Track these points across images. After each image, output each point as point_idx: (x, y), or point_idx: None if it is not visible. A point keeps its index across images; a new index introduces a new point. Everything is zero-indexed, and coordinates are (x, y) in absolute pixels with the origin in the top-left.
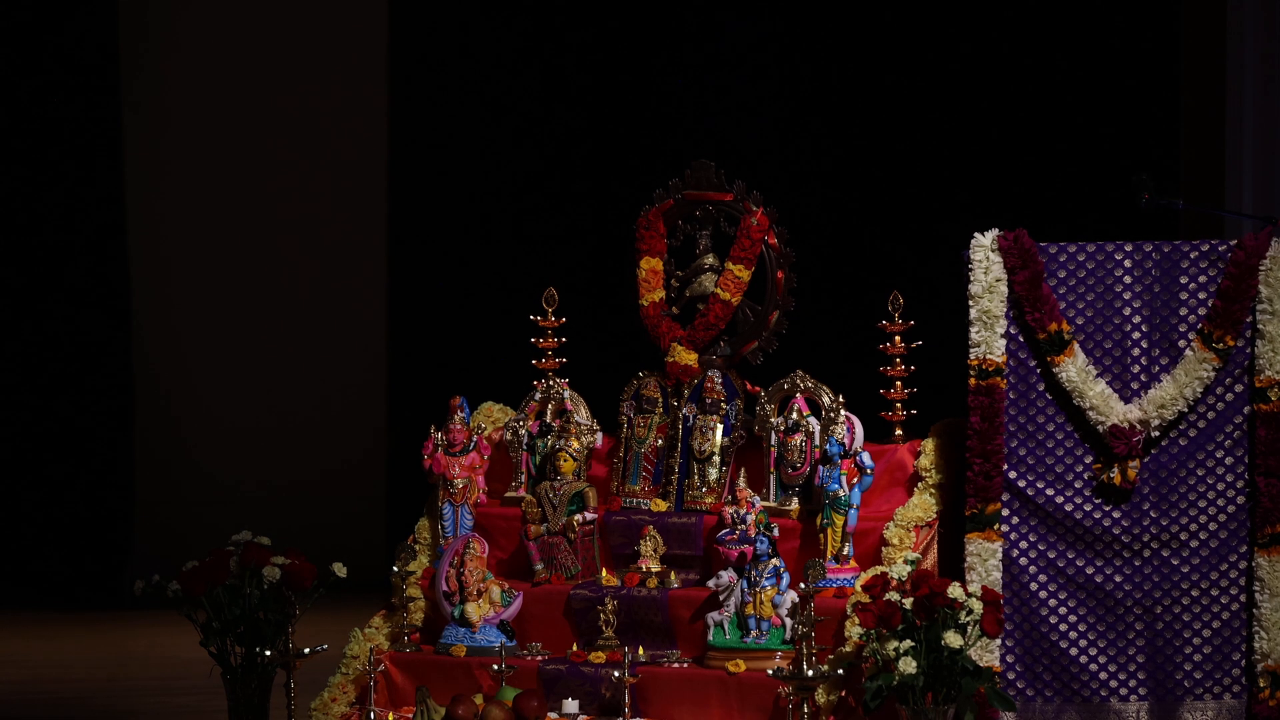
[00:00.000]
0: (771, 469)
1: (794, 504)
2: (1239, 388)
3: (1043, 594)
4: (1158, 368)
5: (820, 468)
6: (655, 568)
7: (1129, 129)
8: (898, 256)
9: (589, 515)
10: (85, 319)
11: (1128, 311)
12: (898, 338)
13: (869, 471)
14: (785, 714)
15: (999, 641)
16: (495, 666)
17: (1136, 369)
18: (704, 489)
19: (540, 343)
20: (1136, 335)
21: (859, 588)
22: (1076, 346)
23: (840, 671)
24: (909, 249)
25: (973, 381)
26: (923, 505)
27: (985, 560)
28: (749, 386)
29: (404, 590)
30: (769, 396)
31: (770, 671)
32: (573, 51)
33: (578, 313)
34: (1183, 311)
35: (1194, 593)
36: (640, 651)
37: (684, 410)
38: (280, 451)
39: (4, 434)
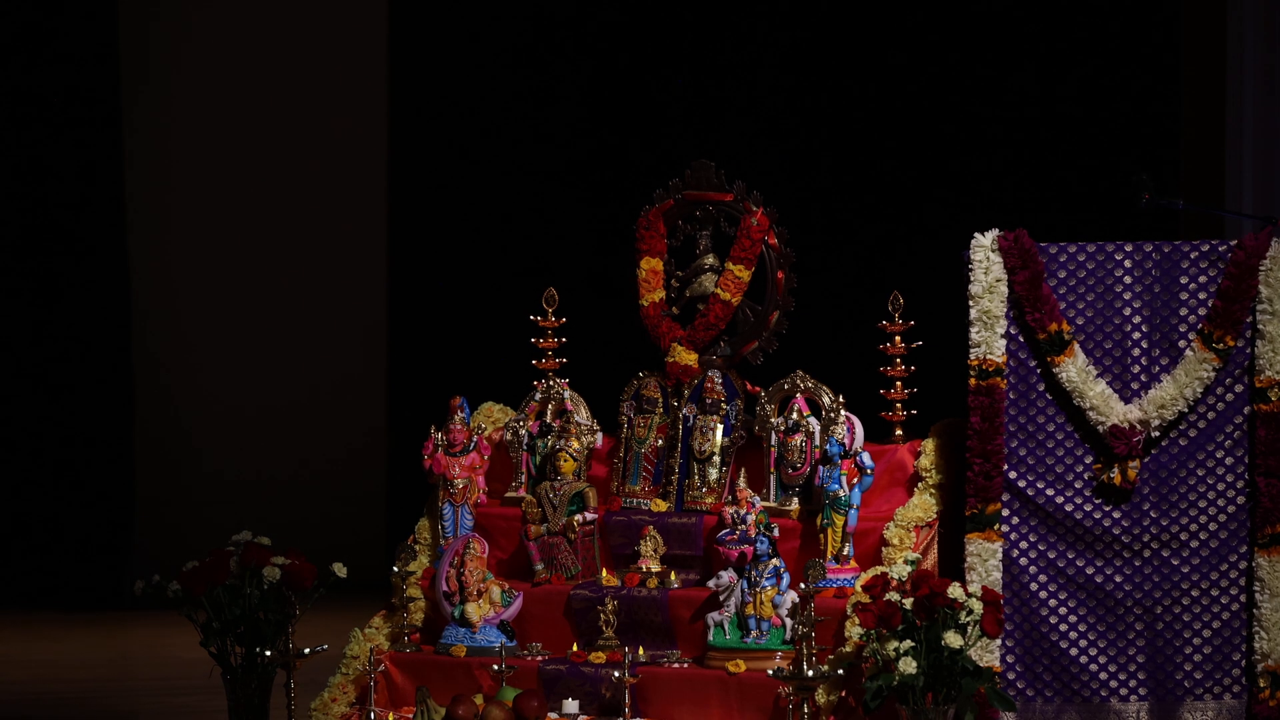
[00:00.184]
0: (772, 469)
1: (794, 504)
2: (1239, 388)
3: (1043, 594)
4: (1158, 368)
5: (820, 468)
6: (655, 568)
7: (1129, 129)
8: (898, 256)
9: (589, 515)
10: (85, 320)
11: (1128, 312)
12: (898, 338)
13: (869, 472)
14: (785, 714)
15: (999, 642)
16: (495, 667)
17: (1136, 369)
18: (704, 489)
19: (540, 343)
20: (1136, 335)
21: (859, 588)
22: (1077, 346)
23: (840, 672)
24: (909, 249)
25: (973, 381)
26: (923, 505)
27: (985, 560)
28: (749, 386)
29: (404, 590)
30: (769, 396)
31: (770, 672)
32: (573, 51)
33: (578, 313)
34: (1183, 311)
35: (1194, 593)
36: (640, 652)
37: (684, 410)
38: (281, 452)
39: (4, 434)
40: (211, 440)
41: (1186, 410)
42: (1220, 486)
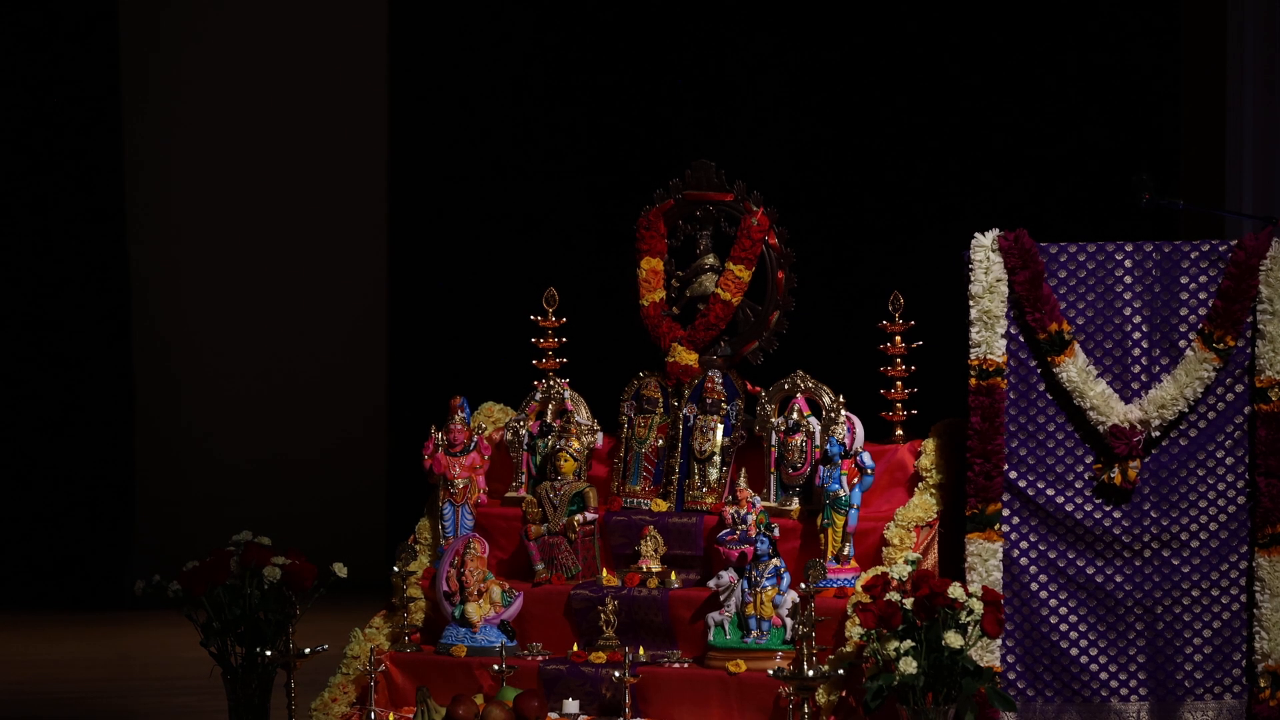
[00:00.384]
0: (772, 469)
1: (794, 504)
2: (1239, 388)
3: (1043, 594)
4: (1158, 368)
5: (821, 468)
6: (656, 568)
7: (1129, 129)
8: (898, 256)
9: (589, 515)
10: (85, 319)
11: (1128, 311)
12: (898, 338)
13: (869, 471)
14: (785, 714)
15: (999, 642)
16: (496, 667)
17: (1137, 369)
18: (704, 489)
19: (541, 343)
20: (1137, 335)
21: (859, 588)
22: (1077, 346)
23: (841, 671)
24: (909, 249)
25: (973, 381)
26: (923, 505)
27: (986, 560)
28: (749, 386)
29: (404, 590)
30: (769, 396)
31: (771, 671)
32: (573, 51)
33: (578, 313)
34: (1183, 311)
35: (1194, 593)
36: (641, 652)
37: (684, 410)
38: (281, 452)
39: (3, 434)
40: (212, 442)
41: (1187, 410)
42: (1220, 486)
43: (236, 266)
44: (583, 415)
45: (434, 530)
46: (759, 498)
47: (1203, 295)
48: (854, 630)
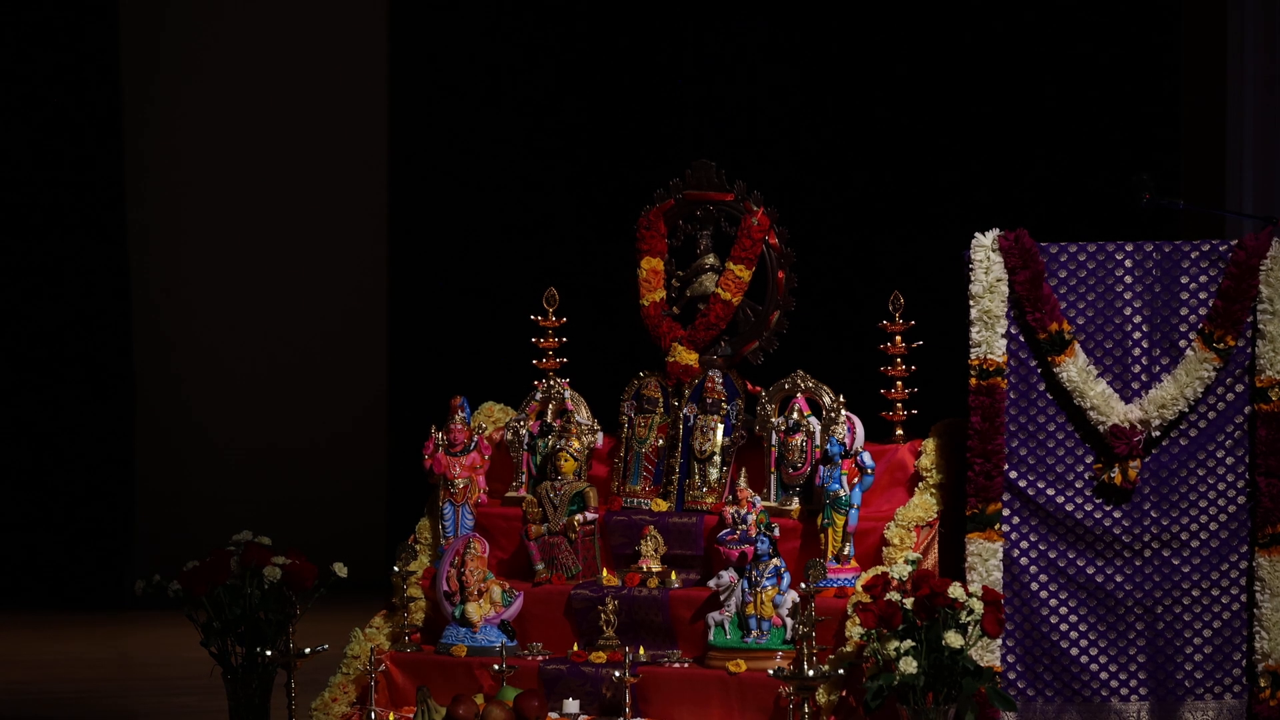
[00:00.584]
0: (772, 469)
1: (795, 504)
2: (1240, 388)
3: (1043, 594)
4: (1158, 368)
5: (821, 468)
6: (656, 568)
7: (1129, 129)
8: (898, 256)
9: (590, 515)
10: (85, 319)
11: (1128, 311)
12: (898, 338)
13: (870, 471)
14: (786, 714)
15: (1000, 641)
16: (496, 666)
17: (1137, 369)
18: (705, 489)
19: (541, 343)
20: (1137, 335)
21: (860, 588)
22: (1077, 346)
23: (841, 671)
24: (909, 249)
25: (973, 381)
26: (923, 505)
27: (986, 560)
28: (750, 386)
29: (405, 590)
30: (770, 396)
31: (771, 671)
32: (573, 51)
33: (578, 313)
34: (1183, 311)
35: (1194, 593)
36: (641, 651)
37: (685, 410)
38: (281, 452)
39: (3, 433)
40: (212, 444)
41: (1187, 410)
42: (1221, 486)
43: (237, 266)
44: (583, 415)
45: (434, 530)
46: (759, 498)
47: (1203, 295)
48: (854, 630)
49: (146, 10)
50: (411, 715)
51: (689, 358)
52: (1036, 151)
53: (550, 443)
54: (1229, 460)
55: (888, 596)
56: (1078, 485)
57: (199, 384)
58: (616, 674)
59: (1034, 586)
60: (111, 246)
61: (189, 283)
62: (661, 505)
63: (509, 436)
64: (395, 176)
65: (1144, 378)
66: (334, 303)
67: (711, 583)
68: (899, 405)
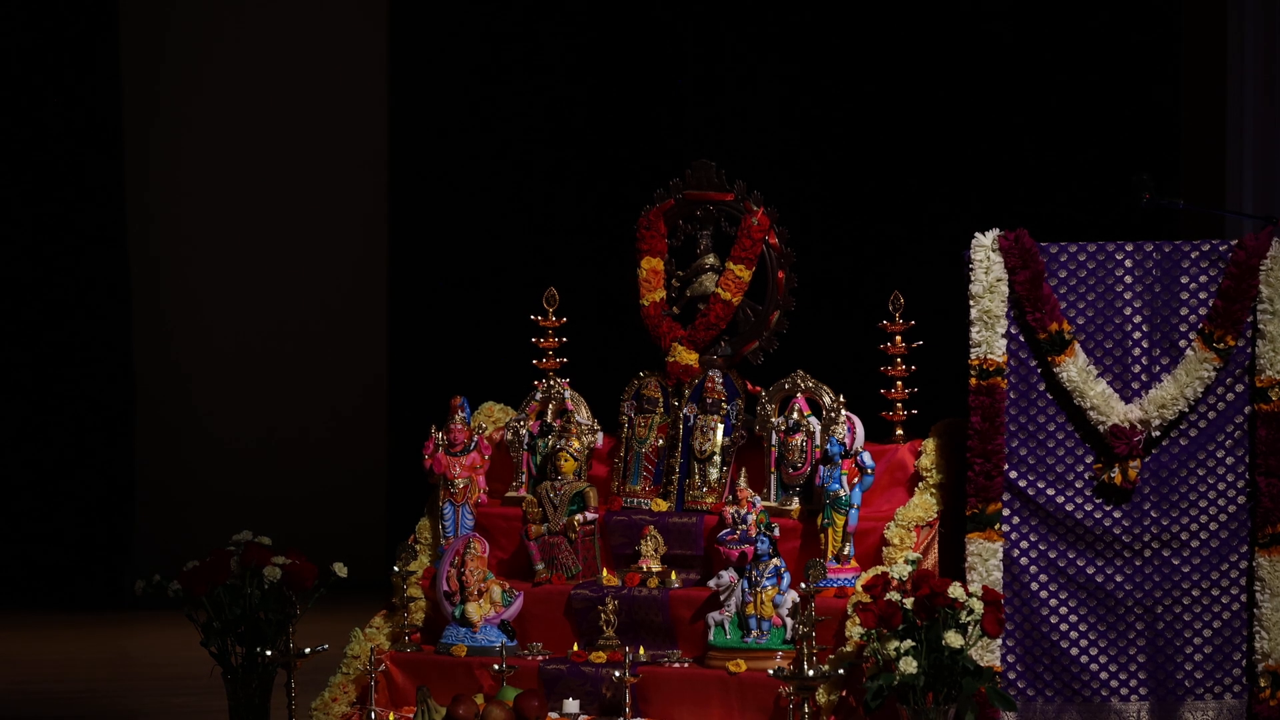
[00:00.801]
0: (772, 469)
1: (795, 504)
2: (1239, 388)
3: (1043, 594)
4: (1158, 368)
5: (821, 467)
6: (656, 568)
7: (1129, 129)
8: (898, 256)
9: (590, 515)
10: (86, 323)
11: (1128, 311)
12: (898, 338)
13: (870, 471)
14: (786, 714)
15: (1000, 641)
16: (496, 666)
17: (1137, 369)
18: (705, 489)
19: (541, 343)
20: (1137, 335)
21: (860, 588)
22: (1077, 346)
23: (841, 671)
24: (909, 249)
25: (973, 381)
26: (923, 505)
27: (986, 560)
28: (750, 386)
29: (405, 590)
30: (770, 396)
31: (771, 671)
32: (573, 51)
33: (578, 313)
34: (1183, 311)
35: (1194, 592)
36: (641, 651)
37: (685, 410)
38: (281, 452)
39: (3, 433)
40: (212, 444)
41: (1187, 410)
42: (1221, 486)
43: (237, 265)
44: (583, 415)
45: (434, 530)
46: (759, 497)
47: (1203, 295)
48: (854, 630)
49: (148, 2)
50: (411, 715)
51: (689, 358)
52: (1037, 151)
53: (550, 443)
54: (1229, 460)
55: (888, 596)
56: (1078, 485)
57: (199, 382)
58: (616, 674)
59: (1034, 586)
60: (112, 245)
61: (189, 282)
62: (661, 505)
63: (509, 436)
64: (395, 175)
65: (1144, 378)
66: (334, 303)
67: (711, 583)
68: (899, 405)
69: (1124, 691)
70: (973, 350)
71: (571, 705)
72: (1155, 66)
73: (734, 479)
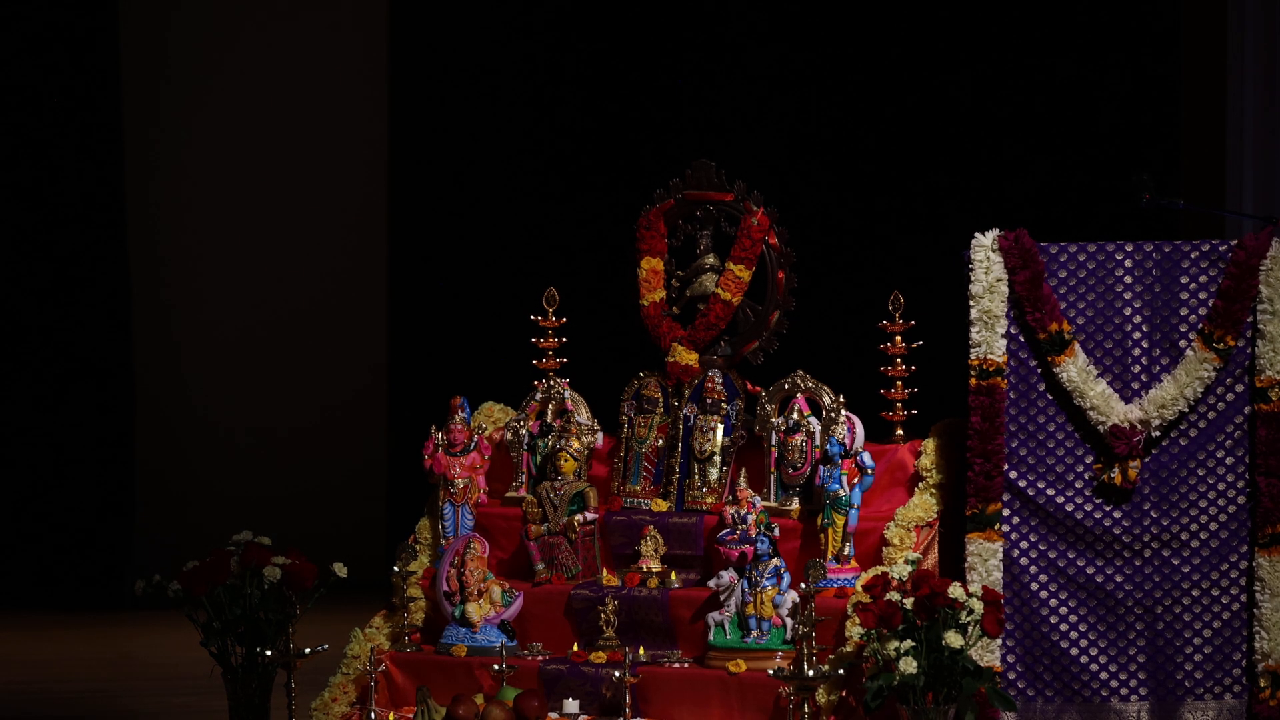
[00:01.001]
0: (772, 469)
1: (795, 504)
2: (1239, 388)
3: (1043, 594)
4: (1158, 368)
5: (821, 468)
6: (656, 568)
7: (1129, 129)
8: (898, 256)
9: (590, 515)
10: (86, 323)
11: (1128, 311)
12: (898, 338)
13: (870, 471)
14: (786, 714)
15: (1000, 641)
16: (496, 666)
17: (1137, 369)
18: (705, 489)
19: (541, 343)
20: (1137, 335)
21: (860, 588)
22: (1077, 346)
23: (841, 671)
24: (909, 249)
25: (973, 381)
26: (923, 505)
27: (986, 560)
28: (750, 386)
29: (404, 590)
30: (769, 396)
31: (771, 671)
32: (573, 51)
33: (578, 313)
34: (1183, 311)
35: (1194, 593)
36: (641, 651)
37: (685, 410)
38: (281, 452)
39: (2, 433)
40: (212, 444)
41: (1187, 410)
42: (1221, 486)
43: (237, 265)
44: (583, 415)
45: (434, 530)
46: (759, 498)
47: (1203, 295)
48: (854, 630)
49: (148, 2)
50: (411, 715)
51: (689, 358)
52: (1037, 151)
53: (550, 443)
54: (1229, 460)
55: (888, 596)
56: (1078, 485)
57: (199, 385)
58: (616, 674)
59: (1034, 586)
60: (112, 245)
61: (189, 282)
62: (661, 505)
63: (509, 436)
64: (395, 175)
65: (1144, 378)
66: (334, 303)
67: (711, 583)
68: (899, 405)
69: (1124, 692)
70: (973, 350)
71: (571, 705)
72: (1155, 66)
73: (734, 479)
